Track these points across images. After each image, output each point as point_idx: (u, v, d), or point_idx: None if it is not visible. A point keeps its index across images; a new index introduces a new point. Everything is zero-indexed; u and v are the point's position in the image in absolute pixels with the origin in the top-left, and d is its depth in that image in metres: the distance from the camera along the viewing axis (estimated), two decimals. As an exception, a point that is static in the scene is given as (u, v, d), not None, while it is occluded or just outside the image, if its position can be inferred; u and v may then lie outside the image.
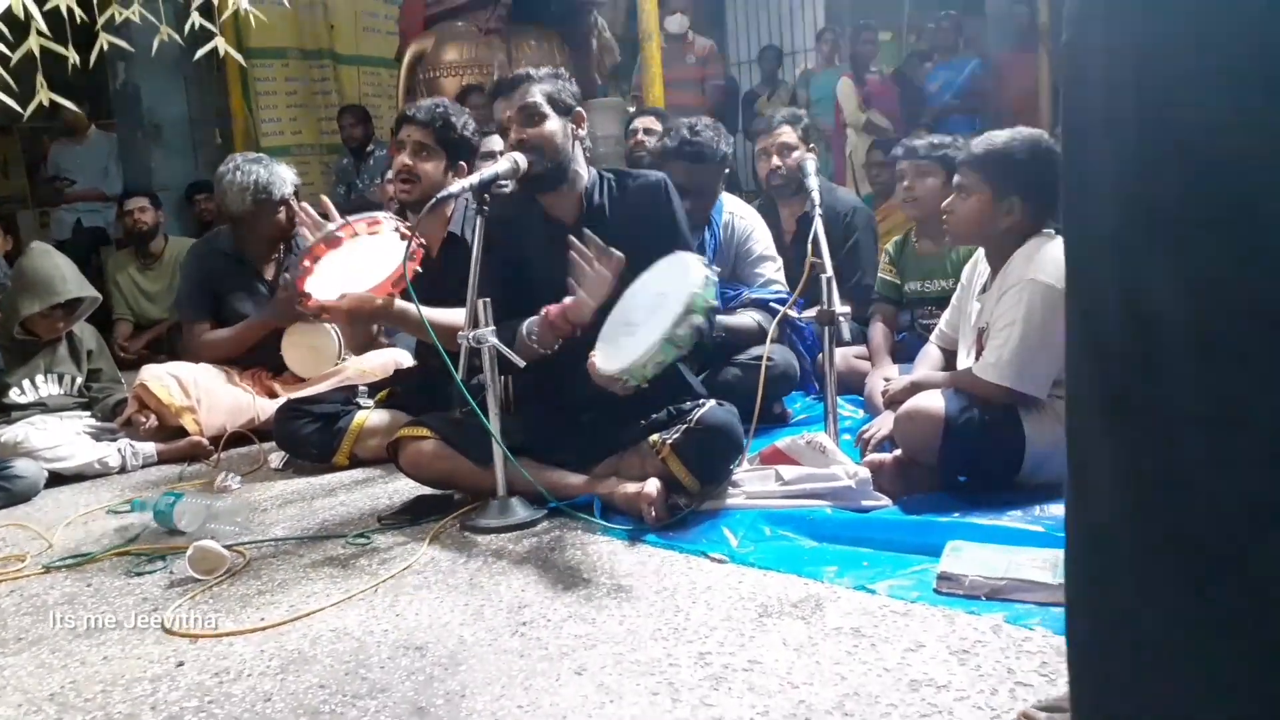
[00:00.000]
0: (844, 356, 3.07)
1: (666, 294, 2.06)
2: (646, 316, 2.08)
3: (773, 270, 3.15)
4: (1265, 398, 0.56)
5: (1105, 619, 0.67)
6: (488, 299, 2.22)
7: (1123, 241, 0.61)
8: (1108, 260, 0.63)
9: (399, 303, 2.47)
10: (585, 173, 2.43)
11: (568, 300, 2.21)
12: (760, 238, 3.17)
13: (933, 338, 2.69)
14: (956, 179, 2.32)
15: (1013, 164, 2.21)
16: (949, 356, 2.57)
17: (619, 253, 2.16)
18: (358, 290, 2.46)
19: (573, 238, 2.21)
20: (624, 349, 2.07)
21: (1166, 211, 0.59)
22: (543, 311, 2.25)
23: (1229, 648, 0.59)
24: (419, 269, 2.52)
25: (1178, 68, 0.57)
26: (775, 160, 3.43)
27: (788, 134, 3.42)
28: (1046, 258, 2.14)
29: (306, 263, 2.46)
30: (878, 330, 3.20)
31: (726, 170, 3.15)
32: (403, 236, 2.31)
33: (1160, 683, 0.63)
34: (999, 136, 2.29)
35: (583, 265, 2.18)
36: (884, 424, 2.44)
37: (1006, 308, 2.17)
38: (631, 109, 5.58)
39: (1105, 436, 0.65)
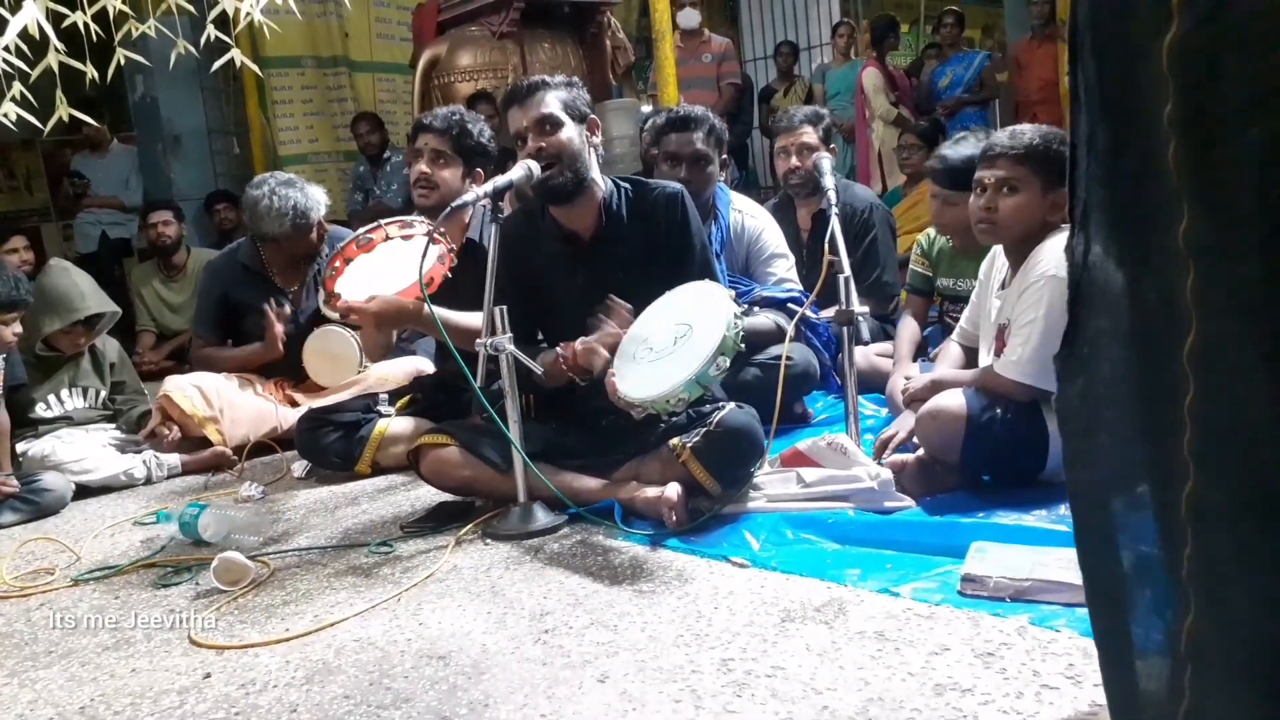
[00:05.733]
0: (865, 355, 3.04)
1: (693, 327, 2.05)
2: (670, 346, 2.07)
3: (785, 268, 3.14)
4: None
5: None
6: (504, 306, 2.22)
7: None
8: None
9: (428, 306, 2.47)
10: (602, 182, 2.42)
11: (580, 345, 2.23)
12: (771, 236, 3.16)
13: (954, 335, 2.66)
14: (999, 174, 2.24)
15: (1055, 156, 2.15)
16: (970, 354, 2.55)
17: (627, 306, 2.21)
18: (386, 293, 2.48)
19: (612, 299, 2.21)
20: (647, 378, 2.05)
21: None
22: (560, 351, 2.27)
23: None
24: (449, 274, 2.53)
25: None
26: (794, 160, 3.40)
27: (809, 134, 3.39)
28: None
29: (337, 264, 2.48)
30: (906, 326, 3.11)
31: (722, 143, 3.14)
32: (433, 240, 2.32)
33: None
34: (1027, 130, 2.25)
35: (602, 319, 2.21)
36: (903, 426, 2.42)
37: (1027, 305, 2.15)
38: (647, 108, 5.58)
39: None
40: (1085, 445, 0.73)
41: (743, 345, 2.01)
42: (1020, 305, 2.18)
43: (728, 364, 1.97)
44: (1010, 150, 2.22)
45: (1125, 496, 0.67)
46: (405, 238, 2.48)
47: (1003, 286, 2.35)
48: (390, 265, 2.50)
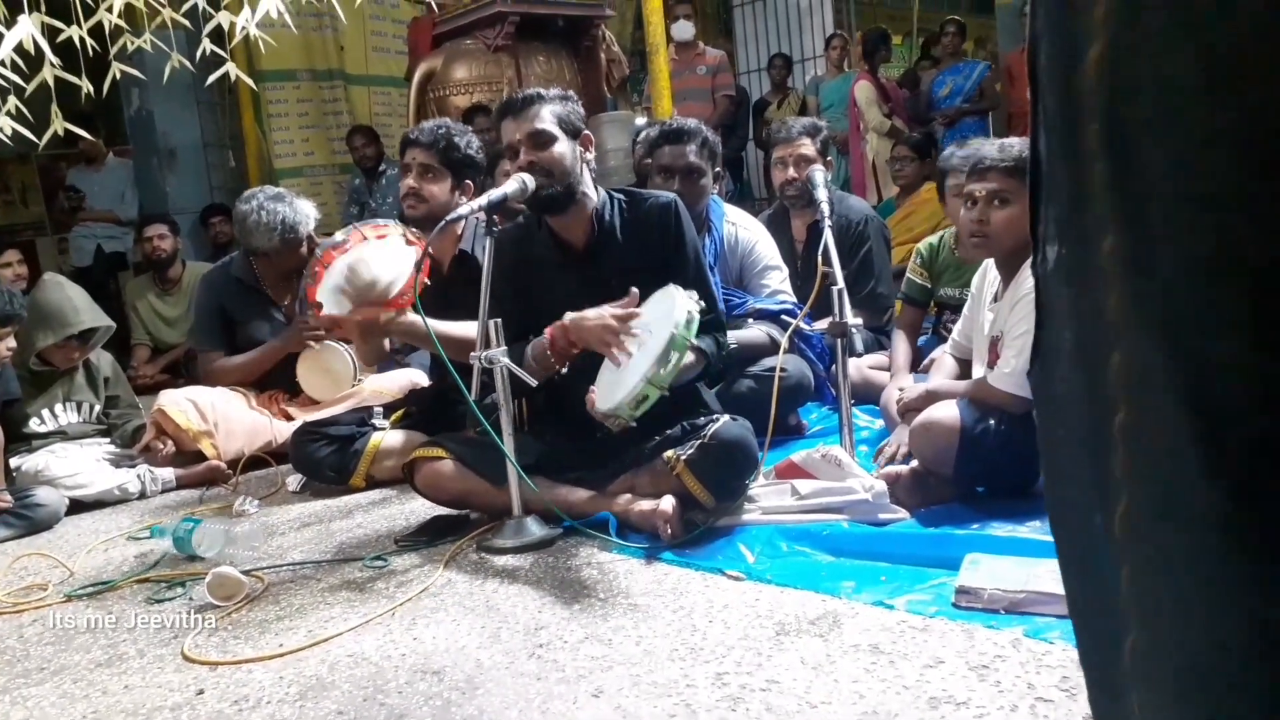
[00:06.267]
0: (858, 367, 3.05)
1: (653, 331, 2.07)
2: (635, 353, 2.09)
3: (778, 280, 3.14)
4: None
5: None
6: (499, 319, 2.22)
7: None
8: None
9: (410, 315, 2.48)
10: (594, 194, 2.42)
11: (566, 319, 2.21)
12: (764, 249, 3.17)
13: (947, 347, 2.67)
14: (991, 186, 2.24)
15: None
16: (964, 366, 2.55)
17: (634, 290, 2.17)
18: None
19: (635, 290, 2.18)
20: (614, 387, 2.08)
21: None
22: (545, 332, 2.26)
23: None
24: (427, 281, 2.53)
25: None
26: (791, 171, 3.41)
27: (807, 146, 3.40)
28: None
29: (317, 269, 2.49)
30: (900, 338, 3.11)
31: (715, 155, 3.15)
32: (409, 243, 2.33)
33: None
34: (1016, 143, 2.26)
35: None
36: (901, 441, 2.42)
37: (1020, 316, 2.16)
38: (641, 120, 5.60)
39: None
40: (1051, 461, 0.74)
41: (696, 340, 2.03)
42: (1013, 317, 2.19)
43: (683, 359, 1.99)
44: (1001, 163, 2.23)
45: (1082, 514, 0.67)
46: (380, 237, 2.50)
47: (995, 299, 2.36)
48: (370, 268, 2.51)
